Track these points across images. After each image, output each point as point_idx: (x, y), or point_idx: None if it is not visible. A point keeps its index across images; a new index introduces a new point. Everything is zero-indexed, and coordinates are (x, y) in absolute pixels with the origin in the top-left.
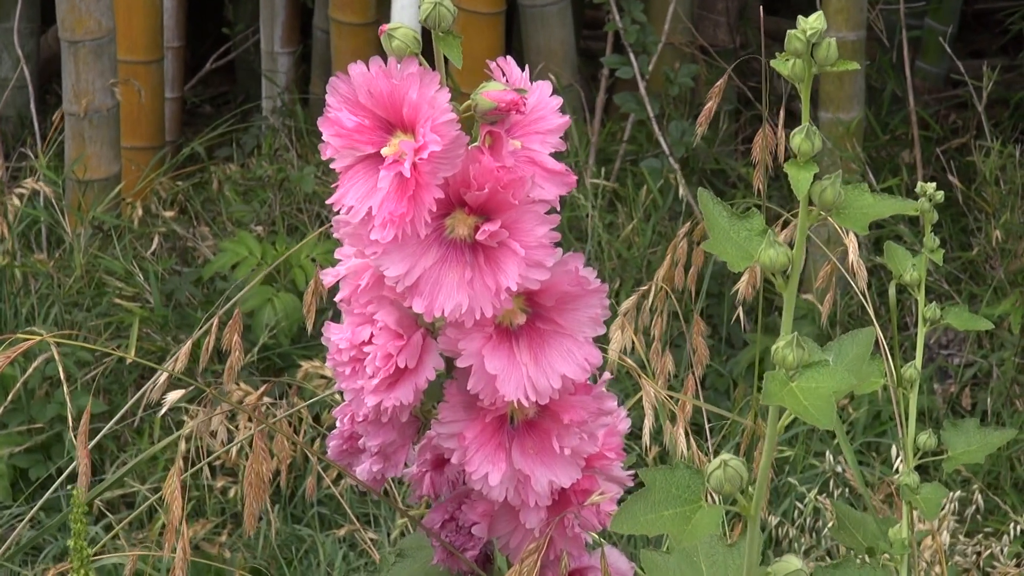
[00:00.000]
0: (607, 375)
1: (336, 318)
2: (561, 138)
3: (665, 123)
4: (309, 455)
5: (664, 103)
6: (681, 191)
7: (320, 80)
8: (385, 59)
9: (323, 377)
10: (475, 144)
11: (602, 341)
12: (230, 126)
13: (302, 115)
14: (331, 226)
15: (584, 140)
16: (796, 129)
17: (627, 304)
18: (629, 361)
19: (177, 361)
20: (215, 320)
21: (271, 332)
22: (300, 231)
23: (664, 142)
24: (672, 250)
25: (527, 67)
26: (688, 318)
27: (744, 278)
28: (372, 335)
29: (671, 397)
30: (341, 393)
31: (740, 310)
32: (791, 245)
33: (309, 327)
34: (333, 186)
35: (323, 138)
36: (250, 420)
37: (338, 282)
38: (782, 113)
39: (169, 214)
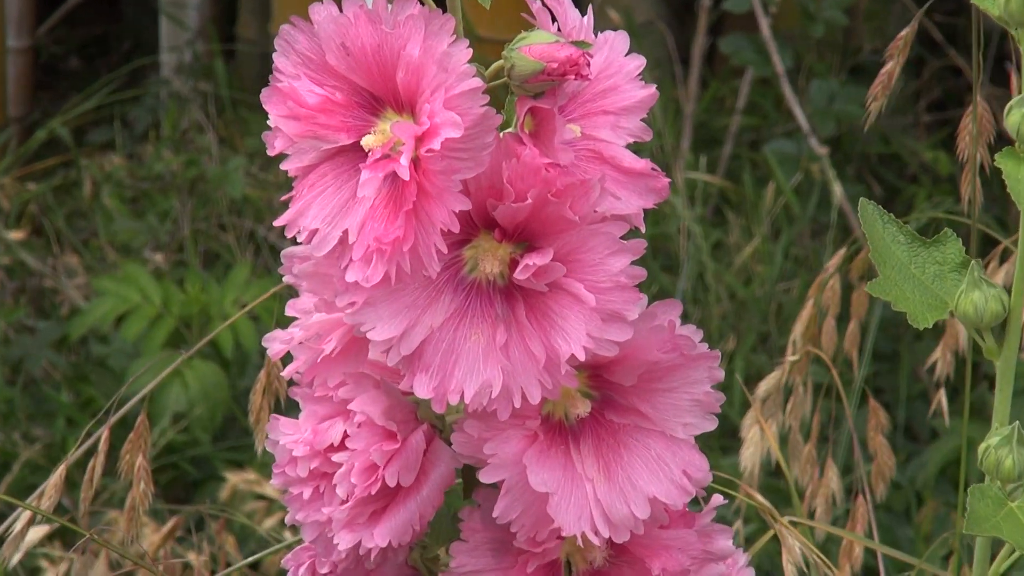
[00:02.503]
0: (718, 498)
1: (286, 408)
2: (644, 120)
3: (803, 82)
4: None
5: (801, 51)
6: (831, 191)
7: (253, 19)
8: None
9: (262, 498)
10: (510, 130)
11: (711, 439)
12: (111, 93)
13: (225, 75)
14: (277, 257)
15: (672, 110)
16: (1013, 100)
17: (767, 385)
18: (759, 498)
19: (43, 496)
20: (105, 430)
21: (179, 425)
22: (223, 261)
23: (801, 113)
24: (817, 291)
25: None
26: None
27: (942, 342)
28: (346, 435)
29: (823, 532)
30: (295, 528)
31: (941, 393)
32: (1009, 288)
33: (259, 446)
34: (284, 198)
35: (269, 121)
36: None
37: (290, 351)
38: (978, 71)
39: (15, 235)
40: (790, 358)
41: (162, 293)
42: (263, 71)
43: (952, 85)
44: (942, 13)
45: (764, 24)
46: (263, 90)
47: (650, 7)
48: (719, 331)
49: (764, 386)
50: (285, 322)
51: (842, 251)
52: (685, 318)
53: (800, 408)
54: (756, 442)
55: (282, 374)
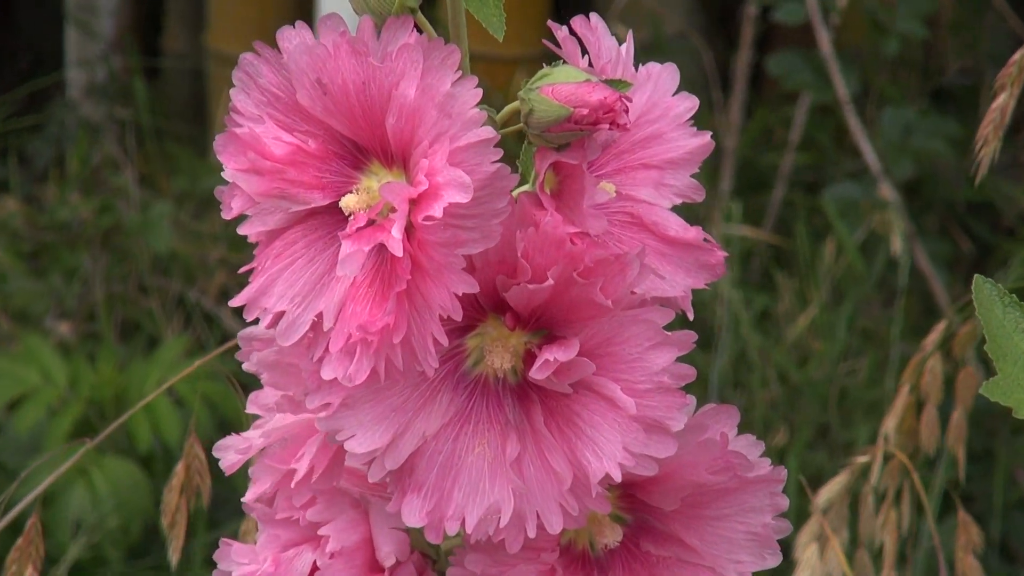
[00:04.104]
0: None
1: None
2: (695, 176)
3: (873, 111)
4: None
5: (870, 71)
6: (897, 248)
7: (183, 28)
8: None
9: None
10: (526, 188)
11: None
12: (5, 120)
13: (146, 98)
14: (212, 328)
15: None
16: None
17: (830, 492)
18: None
19: None
20: None
21: (86, 538)
22: (145, 332)
23: (870, 149)
24: (912, 375)
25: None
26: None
27: None
28: (315, 567)
29: None
30: None
31: None
32: None
33: (173, 558)
34: (243, 270)
35: (224, 174)
36: None
37: (248, 463)
38: None
39: None
40: (860, 459)
41: (68, 372)
42: (195, 93)
43: None
44: None
45: (824, 38)
46: (217, 137)
47: (683, 16)
48: (766, 423)
49: (826, 493)
50: (225, 410)
51: (941, 325)
52: (722, 403)
53: (876, 521)
54: (813, 564)
55: (244, 499)
